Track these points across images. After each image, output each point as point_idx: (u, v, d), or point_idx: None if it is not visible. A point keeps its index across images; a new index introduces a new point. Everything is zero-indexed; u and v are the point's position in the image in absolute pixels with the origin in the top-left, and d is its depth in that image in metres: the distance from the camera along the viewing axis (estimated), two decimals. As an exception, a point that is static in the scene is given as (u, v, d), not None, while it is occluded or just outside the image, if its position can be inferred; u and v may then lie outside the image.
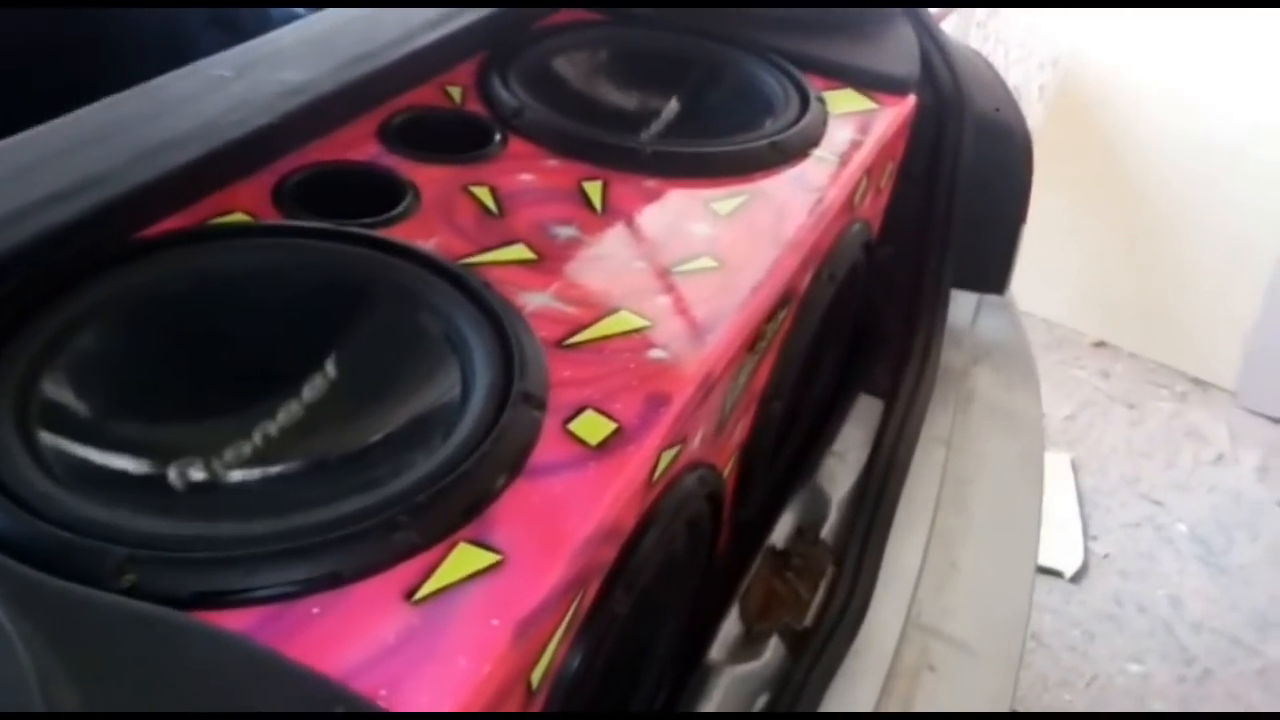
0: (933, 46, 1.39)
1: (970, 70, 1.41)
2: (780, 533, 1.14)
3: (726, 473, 1.01)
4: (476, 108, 1.09)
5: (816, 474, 1.20)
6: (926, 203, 1.40)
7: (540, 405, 0.73)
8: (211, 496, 0.67)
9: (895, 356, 1.37)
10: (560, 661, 0.69)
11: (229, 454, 0.69)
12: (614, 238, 0.94)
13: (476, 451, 0.67)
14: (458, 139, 1.03)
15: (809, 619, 1.04)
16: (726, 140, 1.09)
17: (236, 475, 0.68)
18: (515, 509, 0.66)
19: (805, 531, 1.14)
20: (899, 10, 1.40)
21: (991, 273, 1.48)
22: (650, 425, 0.75)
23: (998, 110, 1.40)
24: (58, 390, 0.68)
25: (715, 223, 0.98)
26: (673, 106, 1.19)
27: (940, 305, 1.43)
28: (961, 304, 1.51)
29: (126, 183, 0.83)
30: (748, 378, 0.95)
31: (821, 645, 1.01)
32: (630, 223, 0.96)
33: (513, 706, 0.63)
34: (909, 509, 1.22)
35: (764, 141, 1.09)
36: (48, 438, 0.64)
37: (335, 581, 0.59)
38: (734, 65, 1.23)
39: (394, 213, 0.91)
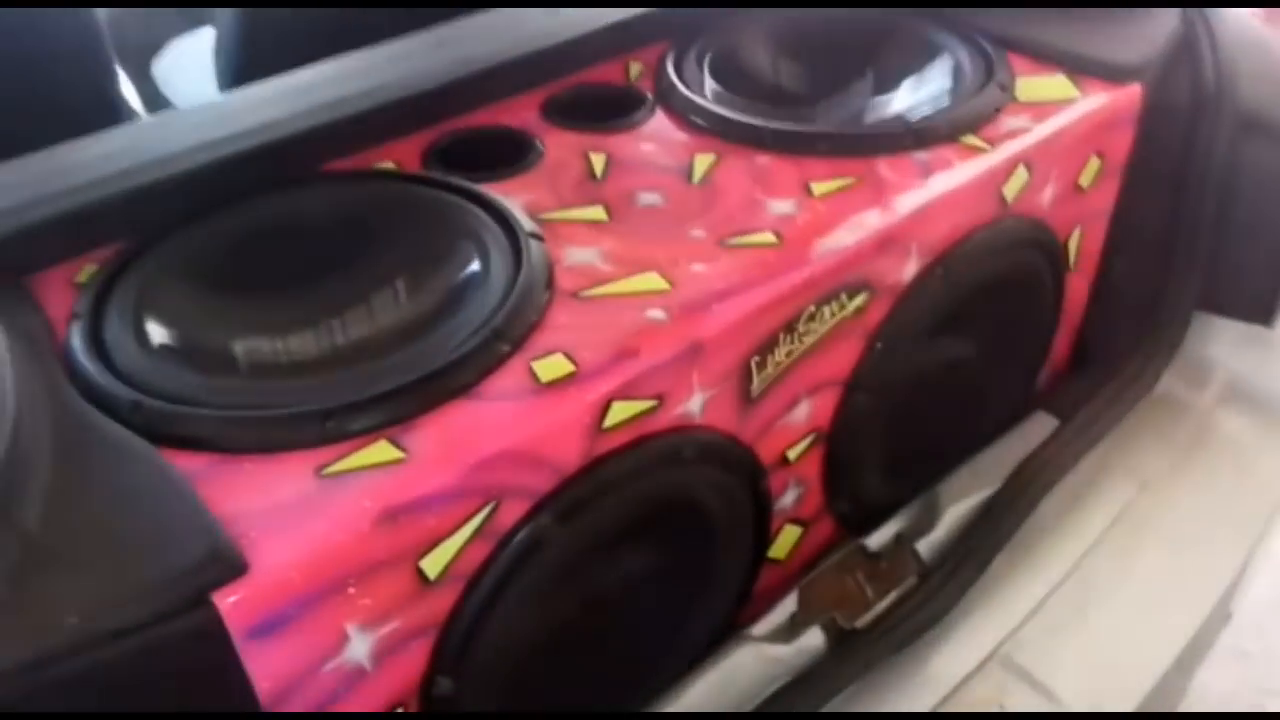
0: (1202, 32, 1.20)
1: (1251, 61, 1.19)
2: (878, 536, 1.09)
3: (791, 455, 1.00)
4: (647, 87, 1.17)
5: (941, 484, 1.12)
6: (1170, 211, 1.22)
7: (510, 341, 0.81)
8: (258, 370, 0.85)
9: (1100, 379, 1.23)
10: (471, 565, 0.77)
11: (283, 344, 0.87)
12: (689, 207, 0.98)
13: (430, 371, 0.78)
14: (611, 112, 1.12)
15: (863, 621, 1.00)
16: (860, 122, 1.06)
17: (276, 357, 0.85)
18: (442, 422, 0.76)
19: (904, 539, 1.08)
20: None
21: (1256, 299, 1.24)
22: (605, 373, 0.80)
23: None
24: (178, 279, 0.89)
25: (801, 202, 0.97)
26: (845, 85, 1.18)
27: (1173, 328, 1.24)
28: (1220, 334, 1.28)
29: (313, 121, 1.04)
30: (796, 359, 0.94)
31: (861, 648, 0.98)
32: (714, 195, 0.99)
33: (393, 583, 0.73)
34: (1057, 540, 1.11)
35: (900, 124, 1.04)
36: (153, 310, 0.86)
37: (267, 448, 0.73)
38: (925, 45, 1.18)
39: (509, 170, 1.03)
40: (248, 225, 0.95)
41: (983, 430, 1.19)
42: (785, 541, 1.08)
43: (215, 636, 0.65)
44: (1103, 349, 1.30)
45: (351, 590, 0.71)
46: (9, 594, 0.62)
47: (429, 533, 0.74)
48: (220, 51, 1.57)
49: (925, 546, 1.07)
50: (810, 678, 0.97)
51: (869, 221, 0.95)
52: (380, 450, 0.74)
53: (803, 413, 0.99)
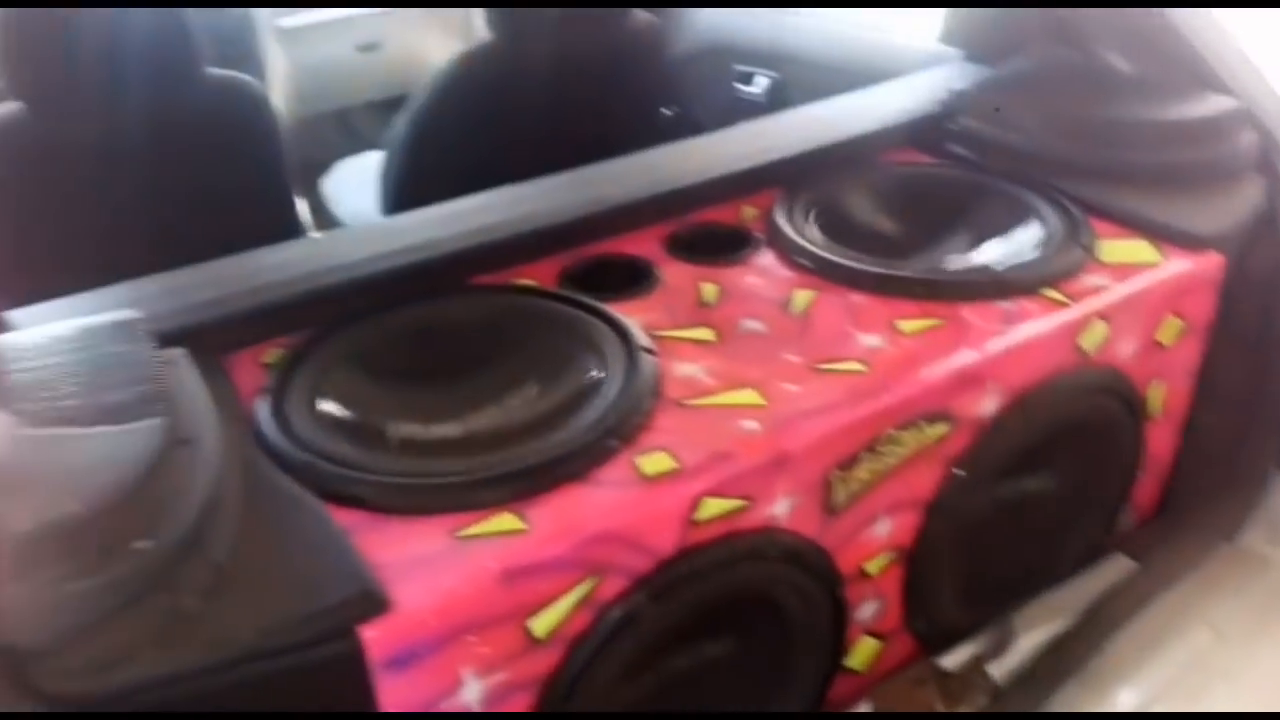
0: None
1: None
2: (954, 656, 1.15)
3: (870, 568, 1.08)
4: (758, 228, 1.31)
5: (1017, 613, 1.18)
6: (1253, 372, 1.28)
7: (620, 438, 0.93)
8: (407, 446, 0.99)
9: (1181, 527, 1.27)
10: (574, 631, 0.88)
11: (429, 426, 1.01)
12: (788, 335, 1.10)
13: (551, 459, 0.91)
14: (725, 248, 1.26)
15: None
16: (951, 270, 1.17)
17: (423, 436, 0.99)
18: (559, 502, 0.88)
19: (978, 662, 1.14)
20: (1253, 164, 1.32)
21: (1341, 461, 1.28)
22: (701, 472, 0.91)
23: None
24: (346, 366, 1.05)
25: (889, 337, 1.08)
26: (937, 236, 1.29)
27: (1254, 483, 1.28)
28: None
29: (466, 243, 1.21)
30: (879, 477, 1.03)
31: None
32: (810, 325, 1.11)
33: (508, 641, 0.85)
34: (1132, 679, 1.14)
35: (986, 273, 1.15)
36: (323, 391, 1.01)
37: (411, 510, 0.87)
38: (1019, 206, 1.29)
39: (630, 293, 1.17)
40: (406, 326, 1.11)
41: (1060, 565, 1.24)
42: (862, 652, 1.14)
43: (356, 663, 0.77)
44: (1186, 498, 1.34)
45: (471, 639, 0.83)
46: (200, 610, 0.76)
47: (540, 596, 0.85)
48: (386, 175, 1.79)
49: (998, 670, 1.12)
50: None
51: (952, 359, 1.05)
52: (506, 520, 0.86)
53: (883, 529, 1.08)
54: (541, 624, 0.86)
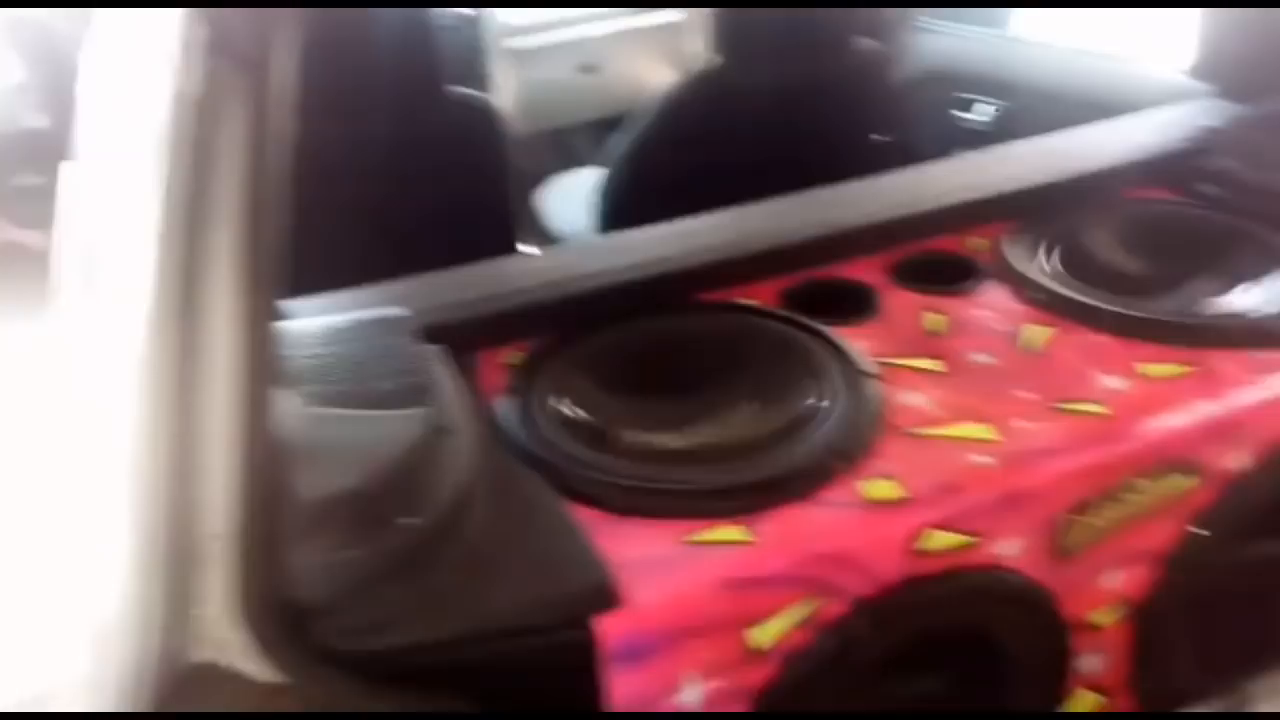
0: None
1: None
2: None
3: (1097, 619, 1.04)
4: (986, 259, 1.29)
5: (1255, 682, 1.10)
6: None
7: (845, 460, 0.94)
8: (631, 454, 1.03)
9: None
10: (792, 647, 0.89)
11: (649, 436, 1.05)
12: (1020, 371, 1.07)
13: (779, 475, 0.93)
14: (950, 279, 1.25)
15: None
16: (1204, 314, 1.12)
17: (652, 444, 1.03)
18: (784, 518, 0.90)
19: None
20: None
21: None
22: (929, 503, 0.91)
23: None
24: (579, 372, 1.11)
25: (1134, 381, 1.04)
26: (1184, 279, 1.23)
27: None
28: None
29: (694, 261, 1.25)
30: (1116, 526, 0.99)
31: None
32: (1045, 363, 1.08)
33: (727, 649, 0.87)
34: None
35: (1241, 320, 1.09)
36: (558, 394, 1.07)
37: (644, 513, 0.91)
38: (1271, 251, 1.22)
39: (854, 318, 1.18)
40: (636, 338, 1.16)
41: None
42: (1081, 705, 1.10)
43: (588, 652, 0.82)
44: None
45: (695, 642, 0.85)
46: (453, 586, 0.82)
47: (763, 608, 0.87)
48: (605, 191, 1.87)
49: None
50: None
51: (1201, 408, 1.00)
52: (733, 531, 0.89)
53: (1114, 580, 1.04)
54: (762, 636, 0.88)
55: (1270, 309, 1.14)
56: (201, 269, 0.70)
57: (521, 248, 2.09)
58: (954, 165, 1.50)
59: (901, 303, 1.21)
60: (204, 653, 0.78)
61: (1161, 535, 1.03)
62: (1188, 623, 1.09)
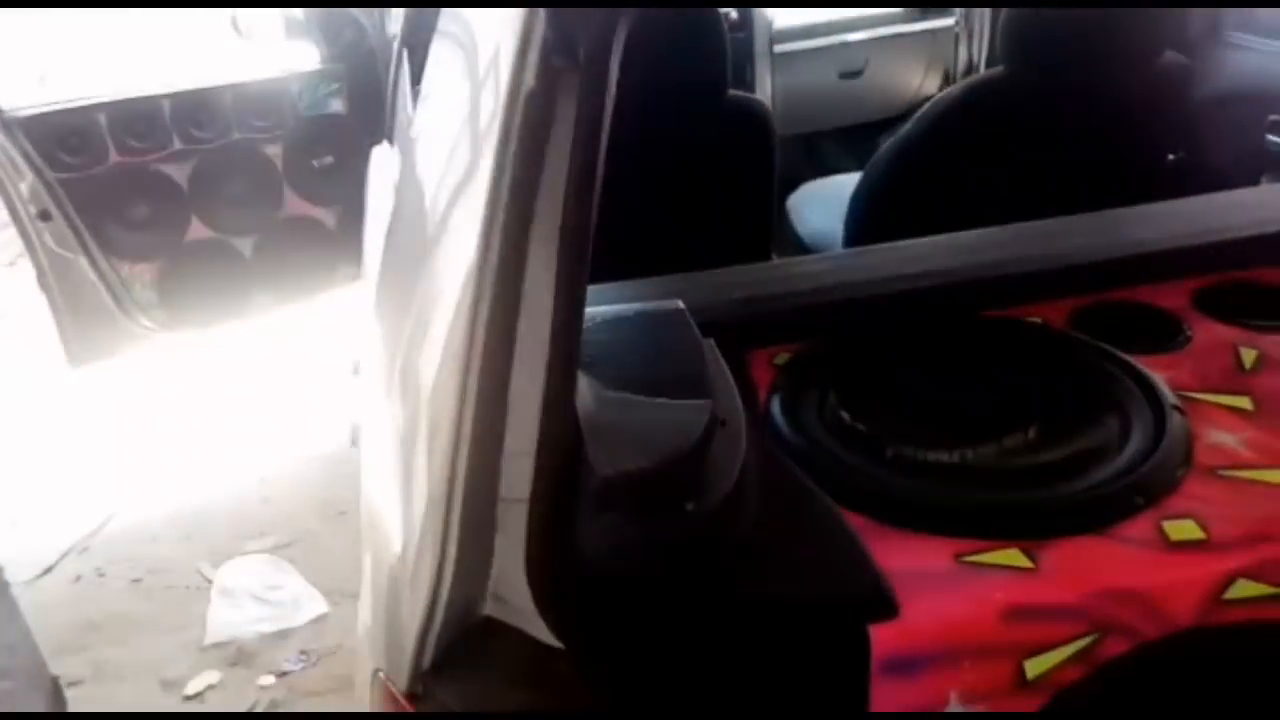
0: None
1: None
2: None
3: None
4: (1308, 291, 1.18)
5: None
6: None
7: (1146, 496, 0.89)
8: (901, 466, 1.02)
9: None
10: (1064, 680, 0.85)
11: (924, 450, 1.03)
12: (1345, 417, 0.97)
13: (1069, 504, 0.89)
14: (1266, 311, 1.15)
15: None
16: None
17: (925, 459, 1.02)
18: (1071, 550, 0.87)
19: None
20: None
21: None
22: (1238, 549, 0.84)
23: None
24: (854, 378, 1.10)
25: None
26: None
27: None
28: None
29: (979, 274, 1.22)
30: None
31: None
32: (1380, 414, 0.98)
33: (999, 675, 0.84)
34: None
35: None
36: (832, 398, 1.07)
37: (916, 526, 0.89)
38: None
39: (1154, 347, 1.11)
40: (913, 349, 1.14)
41: None
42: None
43: (861, 659, 0.82)
44: None
45: (965, 664, 0.83)
46: (732, 574, 0.85)
47: (1039, 639, 0.84)
48: (861, 198, 1.84)
49: None
50: None
51: None
52: (1012, 556, 0.86)
53: None
54: (1034, 666, 0.85)
55: None
56: (525, 251, 0.75)
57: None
58: (1271, 190, 1.37)
59: (1208, 334, 1.12)
60: (494, 609, 0.84)
61: None
62: None
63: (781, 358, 1.16)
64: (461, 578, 0.81)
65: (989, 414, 1.07)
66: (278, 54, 2.40)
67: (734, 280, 1.28)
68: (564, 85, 0.73)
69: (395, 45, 2.13)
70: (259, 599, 2.28)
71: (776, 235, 2.46)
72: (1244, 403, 1.01)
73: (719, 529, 0.86)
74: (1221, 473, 0.92)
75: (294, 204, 2.45)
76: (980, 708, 0.86)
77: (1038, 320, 1.18)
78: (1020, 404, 1.06)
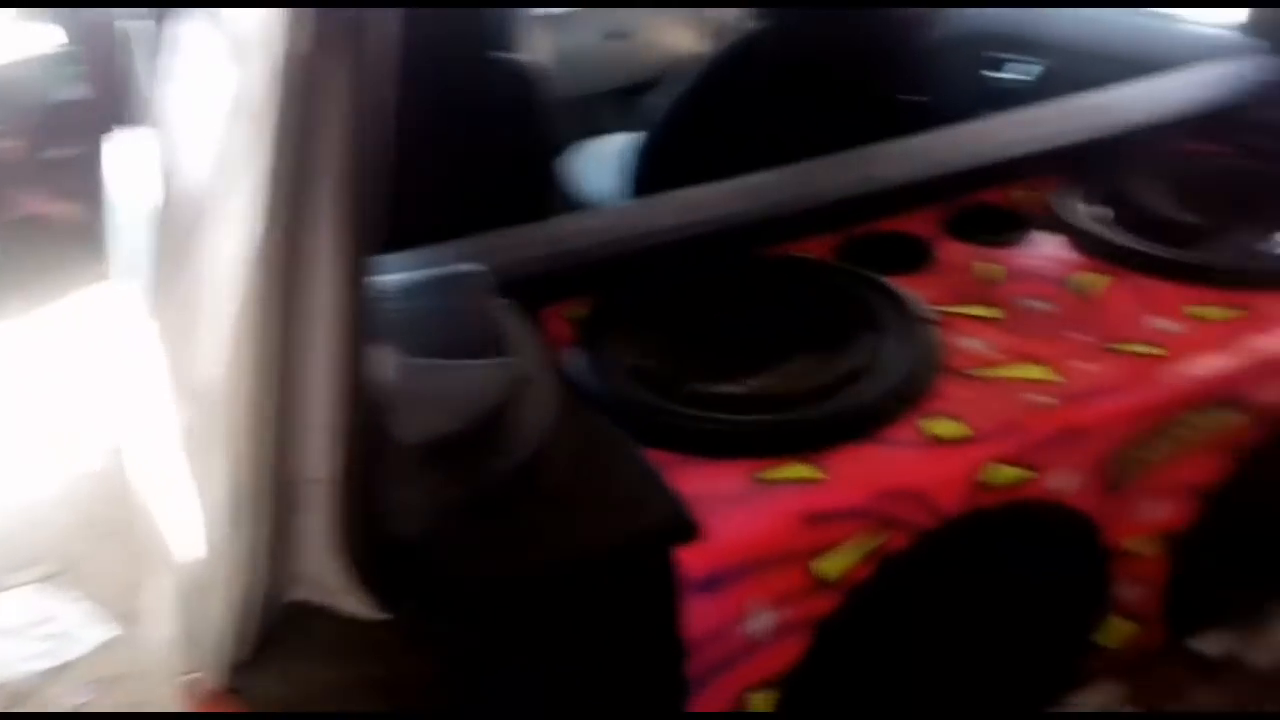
0: None
1: None
2: (1212, 642, 1.13)
3: (1135, 548, 1.08)
4: (1036, 211, 1.32)
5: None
6: None
7: (910, 401, 0.98)
8: (696, 401, 1.07)
9: None
10: (856, 579, 0.94)
11: (714, 384, 1.09)
12: (1075, 315, 1.11)
13: (843, 415, 0.96)
14: (1001, 230, 1.28)
15: (1185, 707, 1.05)
16: (1252, 259, 1.14)
17: (716, 393, 1.07)
18: (852, 457, 0.94)
19: (1239, 649, 1.11)
20: None
21: None
22: (991, 440, 0.95)
23: None
24: (643, 324, 1.15)
25: (1186, 323, 1.08)
26: (1234, 226, 1.25)
27: None
28: None
29: (750, 217, 1.29)
30: (1163, 460, 1.03)
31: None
32: (1100, 308, 1.12)
33: (799, 580, 0.91)
34: None
35: (1287, 266, 1.12)
36: (625, 344, 1.11)
37: (713, 453, 0.95)
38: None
39: (909, 269, 1.21)
40: (696, 291, 1.20)
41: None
42: (1118, 631, 1.14)
43: (669, 581, 0.86)
44: None
45: (767, 573, 0.90)
46: (542, 521, 0.87)
47: (831, 541, 0.91)
48: (642, 154, 1.89)
49: (1259, 658, 1.09)
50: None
51: (1252, 348, 1.03)
52: (802, 469, 0.93)
53: (1159, 512, 1.07)
54: (829, 566, 0.92)
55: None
56: (305, 223, 0.74)
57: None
58: (999, 122, 1.51)
59: (955, 254, 1.24)
60: (303, 592, 0.83)
61: (1206, 469, 1.07)
62: (1221, 552, 1.13)
63: (575, 313, 1.19)
64: (267, 565, 0.79)
65: (770, 345, 1.14)
66: (12, 38, 2.19)
67: (519, 240, 1.29)
68: (333, 48, 0.72)
69: (135, 21, 1.98)
70: (28, 635, 2.11)
71: (555, 197, 2.48)
72: (989, 311, 1.13)
73: (528, 482, 0.88)
74: (972, 373, 1.03)
75: (32, 201, 2.25)
76: (783, 613, 0.93)
77: (809, 255, 1.26)
78: (797, 333, 1.14)
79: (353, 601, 0.82)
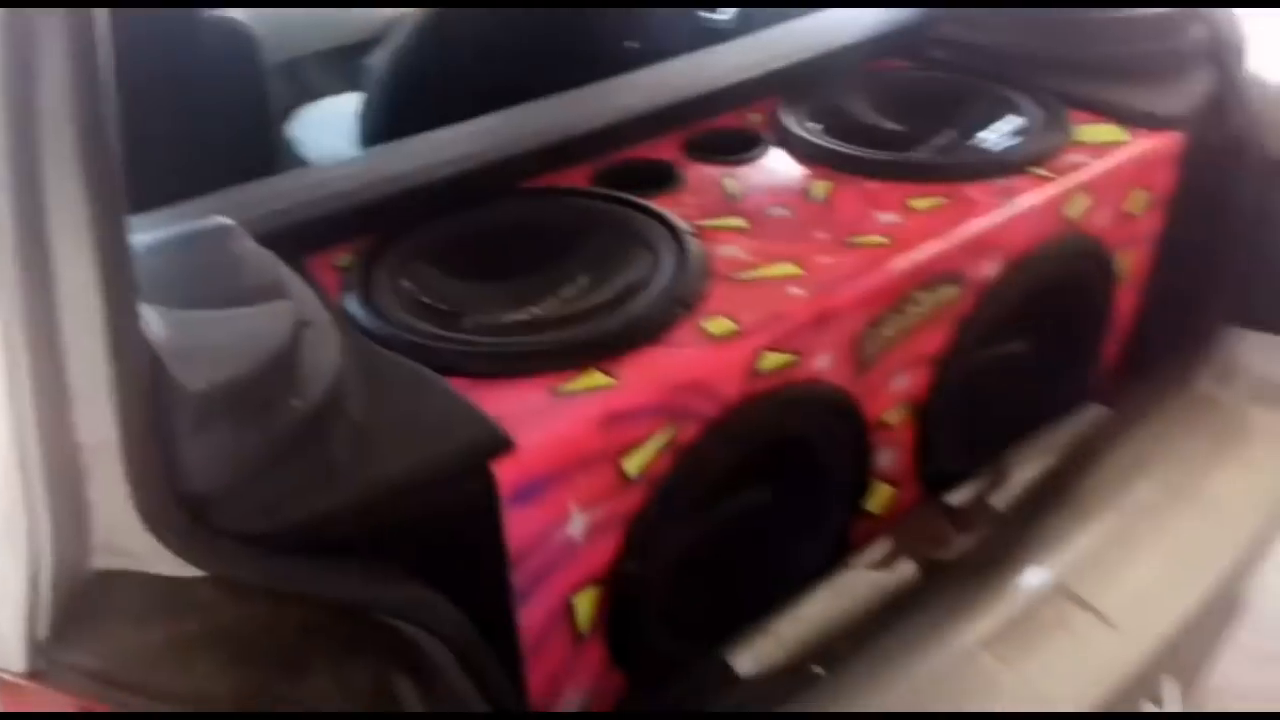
0: (1230, 90, 1.44)
1: (1273, 113, 1.43)
2: (960, 494, 1.31)
3: (889, 418, 1.23)
4: (765, 130, 1.43)
5: (1013, 455, 1.34)
6: (1208, 238, 1.45)
7: (685, 306, 1.06)
8: (484, 327, 1.09)
9: (1146, 379, 1.44)
10: (659, 471, 1.01)
11: (498, 315, 1.12)
12: (813, 218, 1.23)
13: (628, 325, 1.03)
14: (738, 150, 1.38)
15: (949, 556, 1.22)
16: (951, 155, 1.31)
17: (502, 320, 1.10)
18: (640, 360, 1.01)
19: (982, 496, 1.30)
20: (1204, 54, 1.48)
21: (1281, 314, 1.46)
22: (759, 331, 1.04)
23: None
24: (419, 263, 1.15)
25: (906, 214, 1.22)
26: (934, 130, 1.43)
27: (1208, 338, 1.46)
28: (1250, 344, 1.50)
29: (510, 151, 1.31)
30: (900, 334, 1.17)
31: (947, 577, 1.19)
32: (831, 209, 1.24)
33: (607, 479, 0.97)
34: (1110, 504, 1.32)
35: (980, 157, 1.30)
36: (404, 283, 1.12)
37: (510, 374, 0.98)
38: (1001, 100, 1.43)
39: (661, 191, 1.29)
40: (464, 228, 1.22)
41: (1045, 416, 1.41)
42: (880, 496, 1.29)
43: (490, 495, 0.89)
44: (1149, 354, 1.51)
45: (578, 476, 0.95)
46: (350, 457, 0.87)
47: (632, 439, 0.98)
48: (367, 112, 1.86)
49: (999, 502, 1.29)
50: (902, 599, 1.18)
51: (961, 229, 1.19)
52: (597, 378, 0.99)
53: (902, 383, 1.22)
54: (633, 464, 0.99)
55: (1003, 145, 1.35)
56: (39, 185, 0.69)
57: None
58: (724, 51, 1.61)
59: (700, 175, 1.33)
60: (106, 560, 0.79)
61: (936, 340, 1.23)
62: (957, 414, 1.30)
63: (343, 259, 1.17)
64: (60, 537, 0.75)
65: (547, 272, 1.18)
66: None
67: (271, 192, 1.25)
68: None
69: None
70: None
71: (280, 162, 2.37)
72: (738, 221, 1.23)
73: (332, 419, 0.87)
74: (734, 276, 1.12)
75: None
76: (597, 512, 0.99)
77: (570, 185, 1.31)
78: (571, 259, 1.19)
79: (161, 562, 0.79)
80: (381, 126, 1.84)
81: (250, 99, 2.17)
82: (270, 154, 2.29)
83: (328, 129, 2.53)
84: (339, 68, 3.57)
